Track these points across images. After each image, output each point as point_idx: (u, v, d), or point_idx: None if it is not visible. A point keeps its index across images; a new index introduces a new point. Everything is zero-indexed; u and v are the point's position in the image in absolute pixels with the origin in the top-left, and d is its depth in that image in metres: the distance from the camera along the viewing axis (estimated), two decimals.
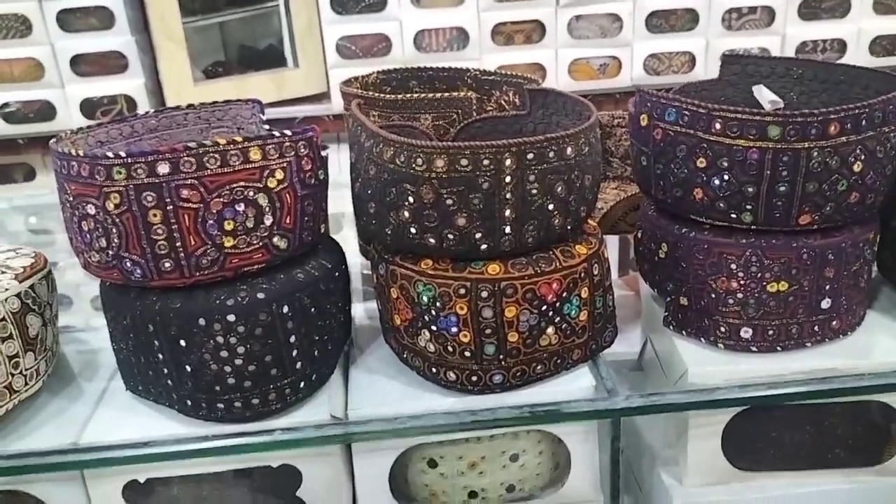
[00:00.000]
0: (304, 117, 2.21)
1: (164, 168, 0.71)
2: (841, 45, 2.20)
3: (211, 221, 0.73)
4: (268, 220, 0.76)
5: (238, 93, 2.15)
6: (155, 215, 0.72)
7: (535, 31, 2.18)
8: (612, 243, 1.32)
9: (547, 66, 2.20)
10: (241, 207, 0.74)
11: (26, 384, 0.83)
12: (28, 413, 0.84)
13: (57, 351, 0.91)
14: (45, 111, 2.10)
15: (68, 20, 2.03)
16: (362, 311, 1.03)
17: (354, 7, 2.13)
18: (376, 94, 0.98)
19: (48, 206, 1.88)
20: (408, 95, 0.98)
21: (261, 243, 0.77)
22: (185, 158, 0.71)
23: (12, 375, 0.81)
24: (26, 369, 0.83)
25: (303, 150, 0.78)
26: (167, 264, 0.74)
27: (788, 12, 2.19)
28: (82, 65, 2.07)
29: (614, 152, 1.27)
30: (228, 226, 0.74)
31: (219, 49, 2.48)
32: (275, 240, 0.77)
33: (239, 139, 0.73)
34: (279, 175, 0.76)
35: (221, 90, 2.16)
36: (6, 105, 2.08)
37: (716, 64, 2.26)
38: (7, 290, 0.81)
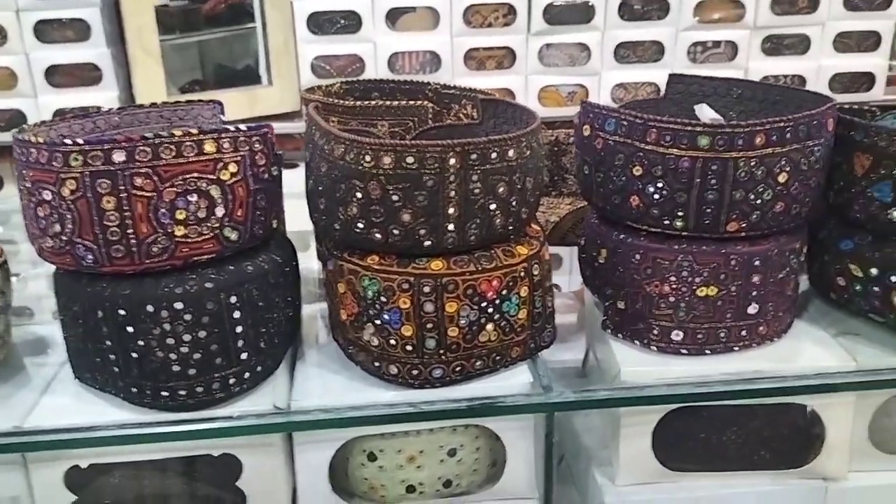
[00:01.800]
0: (277, 135, 2.24)
1: (119, 156, 0.74)
2: (801, 81, 2.27)
3: (163, 210, 0.76)
4: (219, 212, 0.79)
5: None
6: (108, 202, 0.75)
7: (506, 57, 2.24)
8: (566, 256, 1.36)
9: (517, 91, 2.25)
10: (193, 198, 0.77)
11: None
12: None
13: (9, 341, 0.92)
14: (17, 120, 2.11)
15: (45, 31, 2.05)
16: (317, 309, 1.05)
17: (330, 28, 2.18)
18: (336, 101, 1.02)
19: (15, 214, 1.89)
20: (366, 102, 1.02)
21: (212, 234, 0.79)
22: (141, 148, 0.74)
23: None
24: None
25: (257, 146, 0.81)
26: (118, 250, 0.76)
27: (751, 47, 2.26)
28: (56, 76, 2.09)
29: (569, 169, 1.31)
30: (180, 215, 0.77)
31: (196, 68, 2.51)
32: (226, 231, 0.80)
33: (194, 131, 0.76)
34: (232, 168, 0.79)
35: None
36: None
37: None
38: None
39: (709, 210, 0.83)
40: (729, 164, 0.81)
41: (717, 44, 2.28)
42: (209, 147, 0.77)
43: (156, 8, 2.14)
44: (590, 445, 0.99)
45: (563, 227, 1.17)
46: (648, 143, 0.84)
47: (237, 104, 2.22)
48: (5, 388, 0.88)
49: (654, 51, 2.27)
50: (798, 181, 0.84)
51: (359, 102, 1.01)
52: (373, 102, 1.02)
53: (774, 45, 2.28)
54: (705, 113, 1.03)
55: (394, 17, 2.17)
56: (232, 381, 0.83)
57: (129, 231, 0.76)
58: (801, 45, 2.28)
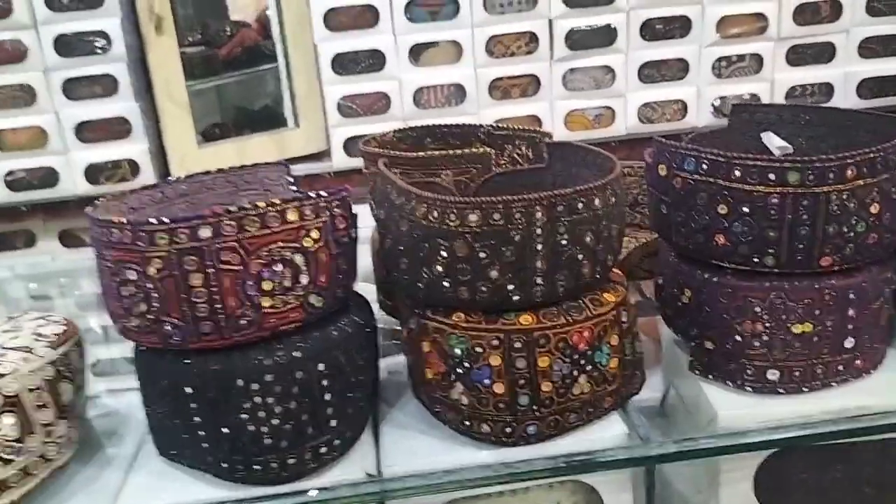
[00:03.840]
0: (305, 175, 2.24)
1: (205, 232, 0.72)
2: (828, 89, 2.26)
3: (250, 283, 0.75)
4: (304, 279, 0.78)
5: (240, 153, 2.19)
6: (196, 279, 0.73)
7: (530, 84, 2.24)
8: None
9: (543, 117, 2.25)
10: (279, 268, 0.76)
11: (59, 452, 0.83)
12: (61, 482, 0.84)
13: (85, 417, 0.90)
14: (48, 177, 2.12)
15: (73, 88, 2.06)
16: (384, 366, 1.04)
17: (355, 67, 2.18)
18: (397, 153, 1.01)
19: (48, 273, 1.89)
20: (428, 153, 1.00)
21: (297, 302, 0.78)
22: (226, 222, 0.73)
23: (46, 444, 0.81)
24: (59, 437, 0.83)
25: (337, 210, 0.80)
26: (206, 326, 0.75)
27: (776, 58, 2.25)
28: (86, 131, 2.10)
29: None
30: (266, 286, 0.75)
31: (215, 112, 2.52)
32: (311, 298, 0.79)
33: (277, 201, 0.75)
34: (315, 235, 0.78)
35: (223, 151, 2.19)
36: (10, 173, 2.10)
37: (707, 111, 2.32)
38: (42, 357, 0.82)
39: (801, 246, 0.81)
40: (821, 199, 0.79)
41: (741, 57, 2.27)
42: (292, 216, 0.76)
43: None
44: (683, 492, 0.96)
45: (631, 262, 1.15)
46: (733, 180, 0.82)
47: (266, 149, 2.23)
48: (88, 468, 0.87)
49: (678, 68, 2.26)
50: (890, 211, 0.82)
51: (421, 154, 1.00)
52: (435, 153, 1.01)
53: (799, 55, 2.27)
54: (773, 141, 1.01)
55: (417, 53, 2.17)
56: (323, 449, 0.81)
57: (217, 306, 0.75)
58: (825, 53, 2.26)
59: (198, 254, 0.73)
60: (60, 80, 2.03)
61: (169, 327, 0.75)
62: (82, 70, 2.03)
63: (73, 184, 2.12)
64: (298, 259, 0.77)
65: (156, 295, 0.74)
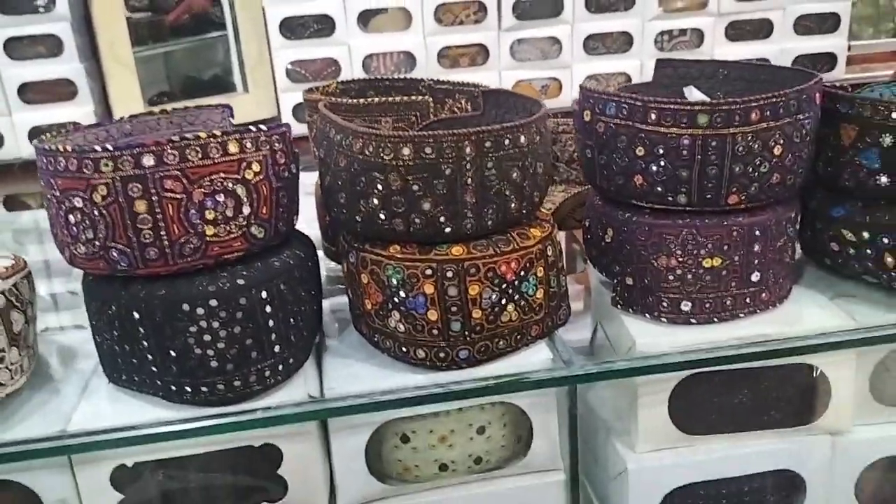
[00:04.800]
0: None
1: (149, 160, 0.76)
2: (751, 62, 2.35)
3: (193, 211, 0.78)
4: (246, 210, 0.82)
5: None
6: (140, 205, 0.77)
7: (479, 54, 2.29)
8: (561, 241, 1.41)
9: (492, 87, 2.30)
10: (221, 198, 0.79)
11: (12, 378, 0.86)
12: (13, 406, 0.87)
13: (37, 350, 0.93)
14: None
15: (16, 48, 2.04)
16: (328, 306, 1.08)
17: (303, 32, 2.20)
18: (339, 100, 1.05)
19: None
20: (368, 100, 1.05)
21: (239, 232, 0.82)
22: (169, 151, 0.76)
23: None
24: (11, 364, 0.85)
25: (277, 145, 0.84)
26: (152, 253, 0.79)
27: (716, 34, 2.34)
28: (30, 93, 2.08)
29: (560, 157, 1.36)
30: (209, 215, 0.79)
31: (163, 80, 2.50)
32: (252, 229, 0.83)
33: (218, 133, 0.79)
34: (256, 167, 0.81)
35: None
36: None
37: None
38: None
39: (710, 185, 0.88)
40: (727, 140, 0.86)
41: (683, 32, 2.36)
42: (233, 147, 0.80)
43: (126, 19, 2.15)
44: (606, 418, 1.03)
45: (562, 212, 1.22)
46: (649, 123, 0.88)
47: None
48: (40, 395, 0.90)
49: (622, 41, 2.34)
50: (791, 153, 0.89)
51: (362, 100, 1.04)
52: (376, 99, 1.05)
53: (738, 31, 2.36)
54: (694, 95, 1.08)
55: (366, 18, 2.20)
56: (267, 373, 0.85)
57: (162, 233, 0.78)
58: (763, 29, 2.36)
59: (142, 181, 0.76)
60: (2, 38, 2.00)
61: (115, 254, 0.79)
62: (25, 29, 2.01)
63: (17, 147, 2.10)
64: (240, 190, 0.81)
65: (102, 222, 0.78)
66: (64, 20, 2.03)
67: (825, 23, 2.37)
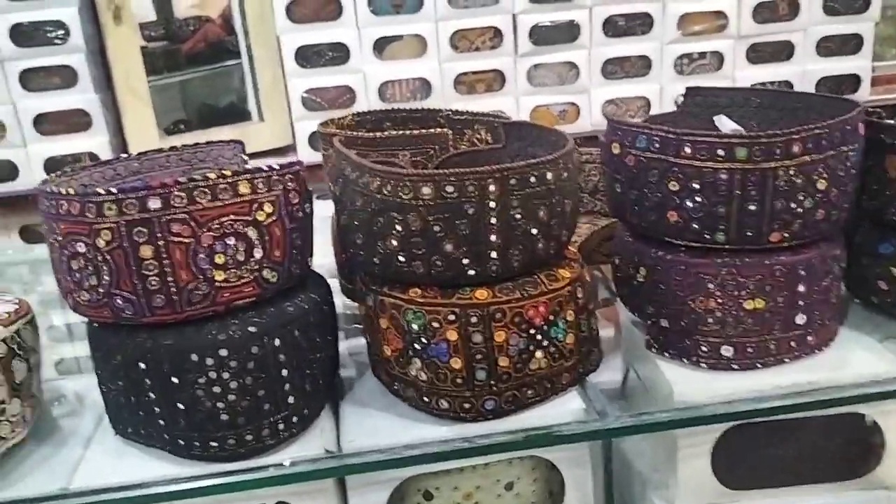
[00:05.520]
0: None
1: (155, 203, 0.72)
2: (788, 86, 2.30)
3: (202, 255, 0.74)
4: (258, 254, 0.77)
5: None
6: (146, 251, 0.72)
7: (495, 80, 2.25)
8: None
9: (509, 113, 2.26)
10: (231, 241, 0.75)
11: (13, 431, 0.81)
12: (15, 461, 0.83)
13: (41, 398, 0.89)
14: (8, 171, 2.08)
15: (31, 79, 2.03)
16: (344, 348, 1.04)
17: (318, 60, 2.17)
18: (354, 133, 1.01)
19: (9, 266, 1.86)
20: (385, 133, 1.00)
21: (251, 276, 0.77)
22: (176, 193, 0.72)
23: None
24: (13, 416, 0.81)
25: (290, 184, 0.79)
26: (159, 300, 0.74)
27: (737, 56, 2.29)
28: (45, 123, 2.07)
29: (583, 188, 1.31)
30: (219, 259, 0.75)
31: (179, 108, 2.49)
32: (265, 273, 0.78)
33: (228, 173, 0.75)
34: (268, 208, 0.77)
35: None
36: None
37: (670, 107, 2.34)
38: None
39: (750, 222, 0.83)
40: (768, 175, 0.81)
41: (702, 55, 2.31)
42: (244, 188, 0.76)
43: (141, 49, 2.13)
44: (642, 470, 0.97)
45: (588, 246, 1.16)
46: (683, 157, 0.83)
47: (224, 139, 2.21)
48: (44, 448, 0.85)
49: (641, 65, 2.30)
50: (836, 187, 0.84)
51: (379, 133, 1.00)
52: (394, 133, 1.01)
53: (759, 53, 2.31)
54: (725, 124, 1.03)
55: (381, 46, 2.17)
56: (281, 426, 0.80)
57: (169, 279, 0.74)
58: (784, 51, 2.31)
59: (147, 225, 0.72)
60: (17, 70, 1.99)
61: (120, 301, 0.75)
62: (40, 60, 2.00)
63: (32, 178, 2.09)
64: (251, 233, 0.76)
65: (106, 268, 0.73)
66: (79, 51, 2.02)
67: (848, 44, 2.32)
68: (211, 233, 0.74)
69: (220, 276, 0.75)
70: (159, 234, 0.72)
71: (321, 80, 2.17)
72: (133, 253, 0.73)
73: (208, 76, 2.54)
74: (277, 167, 0.78)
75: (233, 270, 0.76)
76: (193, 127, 2.37)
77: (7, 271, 1.85)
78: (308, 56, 2.15)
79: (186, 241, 0.73)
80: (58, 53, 2.00)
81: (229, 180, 0.74)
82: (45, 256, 1.86)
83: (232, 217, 0.75)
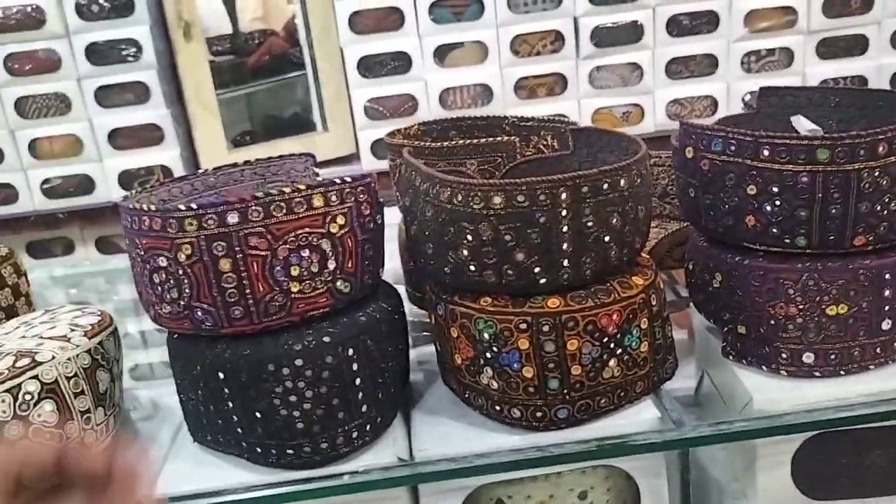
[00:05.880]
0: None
1: (233, 218, 0.73)
2: (862, 82, 2.22)
3: (278, 268, 0.75)
4: (331, 265, 0.78)
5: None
6: (225, 264, 0.74)
7: (556, 83, 2.24)
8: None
9: (571, 116, 2.24)
10: (306, 253, 0.76)
11: (97, 438, 0.84)
12: None
13: (122, 406, 0.92)
14: (85, 185, 2.17)
15: (106, 96, 2.10)
16: (413, 356, 1.04)
17: (381, 70, 2.20)
18: (422, 143, 1.01)
19: (87, 277, 1.93)
20: (452, 143, 1.01)
21: (325, 287, 0.78)
22: (253, 208, 0.74)
23: (84, 430, 0.82)
24: (97, 424, 0.84)
25: (362, 196, 0.80)
26: (237, 311, 0.76)
27: (807, 52, 2.22)
28: (119, 138, 2.14)
29: (652, 191, 1.29)
30: (294, 271, 0.76)
31: (245, 120, 2.56)
32: (338, 284, 0.79)
33: (302, 186, 0.76)
34: (341, 220, 0.78)
35: (254, 155, 2.22)
36: (47, 181, 2.15)
37: (737, 105, 2.29)
38: (78, 346, 0.83)
39: (833, 225, 0.80)
40: (852, 177, 0.78)
41: (771, 52, 2.25)
42: (318, 202, 0.77)
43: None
44: (719, 479, 0.95)
45: (660, 251, 1.14)
46: (762, 160, 0.81)
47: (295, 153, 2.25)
48: None
49: (706, 64, 2.25)
50: None
51: (446, 143, 1.00)
52: (461, 142, 1.01)
53: (830, 49, 2.23)
54: (803, 124, 1.00)
55: (442, 54, 2.18)
56: (355, 434, 0.81)
57: (247, 291, 0.75)
58: (858, 45, 2.23)
59: (226, 239, 0.74)
60: (93, 88, 2.07)
61: (200, 313, 0.77)
62: (114, 78, 2.08)
63: (107, 190, 2.17)
64: (325, 245, 0.77)
65: (186, 281, 0.75)
66: (151, 68, 2.08)
67: None
68: (287, 245, 0.75)
69: (295, 287, 0.77)
70: (237, 248, 0.74)
71: (383, 89, 2.19)
72: (213, 266, 0.74)
73: (273, 88, 2.60)
74: (350, 180, 0.79)
75: (307, 282, 0.77)
76: (259, 138, 2.42)
77: (85, 281, 1.92)
78: (370, 66, 2.18)
79: (263, 254, 0.75)
80: (131, 70, 2.07)
81: (304, 194, 0.76)
82: (121, 266, 1.93)
83: (307, 230, 0.76)
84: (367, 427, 0.82)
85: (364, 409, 0.81)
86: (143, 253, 0.78)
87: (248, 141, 2.40)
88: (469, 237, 0.78)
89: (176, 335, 0.84)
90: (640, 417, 0.83)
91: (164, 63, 2.13)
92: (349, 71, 2.18)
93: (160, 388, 1.02)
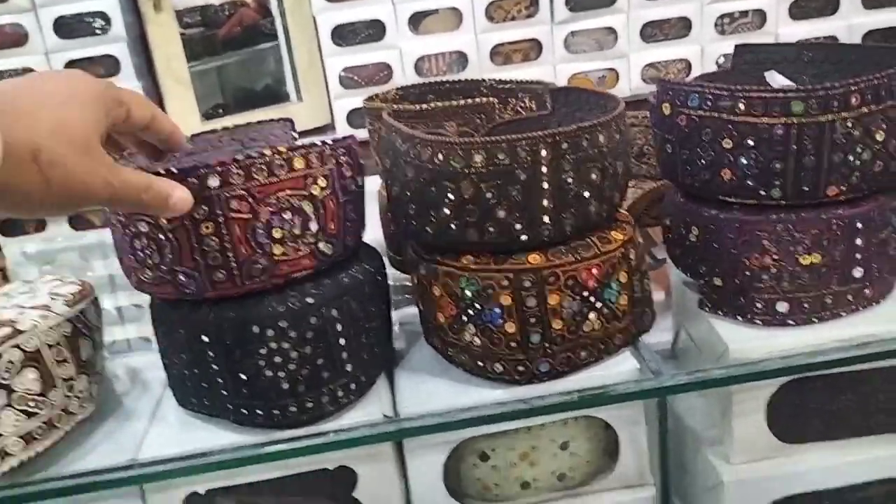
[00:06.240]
0: None
1: (214, 181, 0.73)
2: (833, 41, 2.24)
3: (260, 230, 0.75)
4: (313, 227, 0.78)
5: None
6: (207, 227, 0.74)
7: (532, 49, 2.23)
8: None
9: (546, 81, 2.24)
10: (287, 215, 0.76)
11: (81, 406, 0.84)
12: (83, 435, 0.86)
13: (105, 374, 0.92)
14: None
15: (75, 69, 2.06)
16: (395, 318, 1.05)
17: (354, 38, 2.18)
18: (400, 107, 1.01)
19: (60, 253, 1.91)
20: (431, 105, 1.00)
21: (308, 249, 0.78)
22: (234, 171, 0.73)
23: (68, 398, 0.83)
24: (80, 392, 0.84)
25: (343, 158, 0.80)
26: (219, 275, 0.76)
27: (779, 13, 2.23)
28: None
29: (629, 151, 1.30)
30: (277, 234, 0.76)
31: (217, 93, 2.52)
32: (320, 245, 0.79)
33: (283, 149, 0.76)
34: (322, 182, 0.78)
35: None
36: None
37: (711, 68, 2.29)
38: (60, 314, 0.83)
39: (807, 176, 0.82)
40: (825, 128, 0.79)
41: (744, 13, 2.26)
42: (298, 164, 0.77)
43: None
44: (695, 427, 0.97)
45: (637, 209, 1.16)
46: (738, 114, 0.82)
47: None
48: (109, 423, 0.88)
49: (680, 27, 2.25)
50: (895, 138, 0.82)
51: (425, 106, 1.00)
52: (439, 104, 1.01)
53: (802, 9, 2.24)
54: (777, 80, 1.01)
55: (416, 21, 2.16)
56: (340, 393, 0.82)
57: (230, 255, 0.75)
58: (829, 6, 2.24)
59: (207, 203, 0.73)
60: (62, 62, 2.03)
61: (182, 277, 0.76)
62: (83, 51, 2.03)
63: None
64: (307, 207, 0.77)
65: (168, 246, 0.75)
66: (121, 40, 2.05)
67: None
68: (268, 208, 0.75)
69: (278, 250, 0.77)
70: (219, 211, 0.74)
71: (358, 58, 2.17)
72: (194, 230, 0.74)
73: (245, 60, 2.56)
74: (331, 142, 0.79)
75: (290, 244, 0.77)
76: (232, 110, 2.39)
77: (59, 257, 1.90)
78: (344, 34, 2.16)
79: (245, 216, 0.75)
80: (100, 44, 2.04)
81: (284, 156, 0.75)
82: (95, 242, 1.91)
83: (288, 192, 0.76)
84: (352, 386, 0.83)
85: (349, 368, 0.82)
86: (123, 219, 0.78)
87: (220, 113, 2.37)
88: (450, 196, 0.79)
89: (159, 301, 0.84)
90: (619, 368, 0.85)
91: (134, 35, 2.09)
92: (322, 40, 2.15)
93: (140, 360, 1.02)
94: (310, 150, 0.77)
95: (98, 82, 0.60)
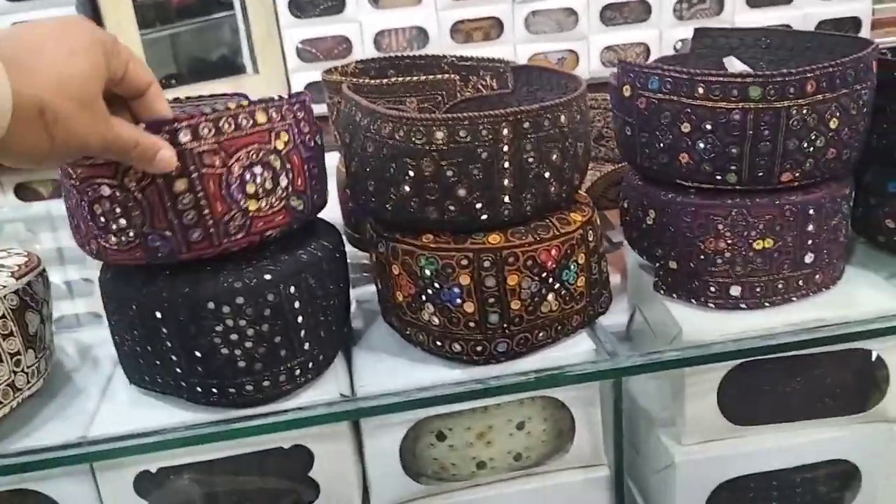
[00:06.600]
0: None
1: (185, 136, 0.70)
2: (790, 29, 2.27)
3: (234, 185, 0.73)
4: (283, 181, 0.77)
5: None
6: (181, 184, 0.71)
7: (493, 27, 2.23)
8: None
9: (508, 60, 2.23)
10: (258, 170, 0.75)
11: (28, 382, 0.82)
12: (31, 411, 0.83)
13: (53, 350, 0.89)
14: None
15: None
16: (353, 296, 1.04)
17: (313, 10, 2.14)
18: (360, 81, 1.00)
19: (6, 223, 1.85)
20: (392, 80, 0.99)
21: (281, 205, 0.77)
22: (204, 124, 0.71)
23: (14, 373, 0.80)
24: (27, 367, 0.82)
25: (300, 114, 0.79)
26: (196, 234, 0.73)
27: (737, 1, 2.26)
28: None
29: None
30: (250, 188, 0.74)
31: (170, 62, 2.46)
32: (292, 201, 0.78)
33: (245, 103, 0.75)
34: (284, 137, 0.77)
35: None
36: None
37: (670, 53, 2.32)
38: (5, 286, 0.80)
39: (762, 162, 0.83)
40: (781, 114, 0.81)
41: (702, 0, 2.28)
42: (261, 117, 0.75)
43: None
44: (648, 408, 0.99)
45: (595, 191, 1.16)
46: (697, 98, 0.83)
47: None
48: (58, 399, 0.86)
49: (640, 11, 2.27)
50: (848, 126, 0.84)
51: (386, 80, 0.99)
52: (399, 79, 1.00)
53: None
54: (735, 65, 1.02)
55: None
56: (297, 371, 0.81)
57: (206, 212, 0.73)
58: None
59: (181, 158, 0.70)
60: (9, 24, 1.96)
61: (156, 239, 0.73)
62: (31, 14, 1.97)
63: None
64: (275, 161, 0.76)
65: (137, 208, 0.72)
66: (69, 4, 1.98)
67: None
68: (239, 162, 0.73)
69: (253, 205, 0.75)
70: (192, 167, 0.71)
71: (316, 30, 2.14)
72: (167, 188, 0.71)
73: (199, 29, 2.50)
74: (286, 97, 0.78)
75: (264, 199, 0.75)
76: (185, 81, 2.33)
77: (4, 228, 1.84)
78: (302, 6, 2.12)
79: (219, 171, 0.72)
80: (49, 7, 1.97)
81: (248, 109, 0.74)
82: (42, 214, 1.85)
83: (256, 145, 0.74)
84: (310, 364, 0.82)
85: (306, 346, 0.81)
86: (78, 183, 0.74)
87: (173, 84, 2.31)
88: (411, 173, 0.78)
89: (109, 274, 0.81)
90: (576, 350, 0.85)
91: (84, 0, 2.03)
92: (280, 11, 2.12)
93: (90, 336, 0.99)
94: (269, 104, 0.76)
95: (101, 32, 0.62)
